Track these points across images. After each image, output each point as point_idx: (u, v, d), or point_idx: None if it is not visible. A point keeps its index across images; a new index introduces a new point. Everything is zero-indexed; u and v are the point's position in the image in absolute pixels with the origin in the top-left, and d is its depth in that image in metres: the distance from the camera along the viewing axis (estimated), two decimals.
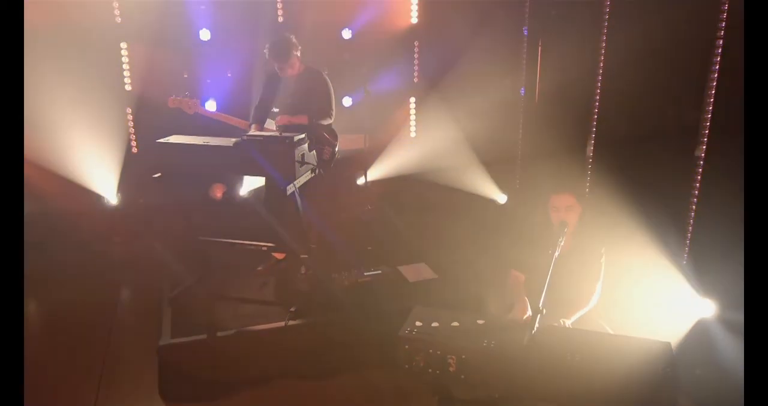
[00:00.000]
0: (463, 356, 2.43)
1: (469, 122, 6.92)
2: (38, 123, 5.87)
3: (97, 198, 6.54)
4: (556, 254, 2.77)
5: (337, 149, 4.61)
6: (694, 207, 3.86)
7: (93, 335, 4.48)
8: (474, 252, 5.08)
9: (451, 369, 2.45)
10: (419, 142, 7.41)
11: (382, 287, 4.49)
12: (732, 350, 3.81)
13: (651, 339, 2.46)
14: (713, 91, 4.06)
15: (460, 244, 5.44)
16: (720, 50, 3.98)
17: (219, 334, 3.89)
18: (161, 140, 4.02)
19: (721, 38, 3.97)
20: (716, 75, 4.02)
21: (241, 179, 6.73)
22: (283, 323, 3.95)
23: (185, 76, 6.63)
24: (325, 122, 4.48)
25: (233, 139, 3.93)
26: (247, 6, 6.55)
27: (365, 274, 4.57)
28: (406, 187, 6.83)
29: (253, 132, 4.21)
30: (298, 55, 4.38)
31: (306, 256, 4.62)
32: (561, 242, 2.84)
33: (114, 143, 6.53)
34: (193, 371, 3.83)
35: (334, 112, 4.55)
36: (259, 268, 4.72)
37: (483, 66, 6.82)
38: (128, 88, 6.58)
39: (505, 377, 2.40)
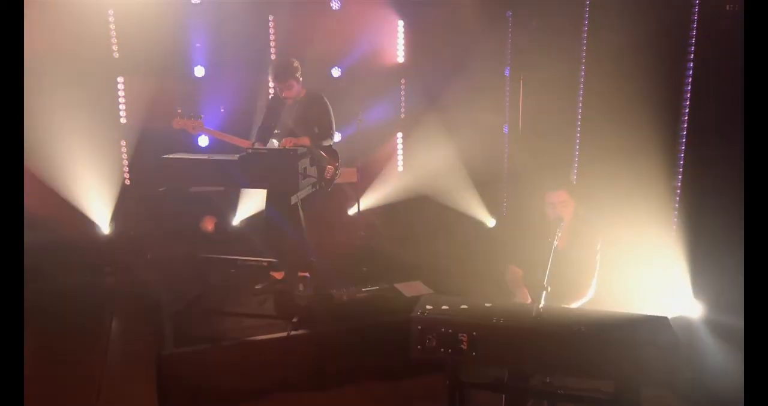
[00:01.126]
0: (474, 333, 2.54)
1: (454, 156, 7.19)
2: (34, 155, 5.96)
3: (90, 228, 6.56)
4: (555, 243, 2.94)
5: (338, 170, 4.77)
6: (676, 212, 4.10)
7: (89, 353, 4.45)
8: (466, 269, 5.21)
9: (462, 347, 2.55)
10: (407, 175, 7.64)
11: (380, 301, 4.58)
12: (724, 353, 3.95)
13: (649, 315, 2.61)
14: (687, 112, 4.39)
15: (453, 263, 5.58)
16: (691, 72, 4.33)
17: (222, 344, 3.92)
18: (167, 156, 4.16)
19: (691, 61, 4.33)
20: (689, 95, 4.35)
21: (234, 210, 6.88)
22: (285, 334, 3.99)
23: (179, 111, 6.79)
24: (326, 143, 4.65)
25: (237, 155, 4.09)
26: (240, 45, 6.79)
27: (363, 290, 4.66)
28: (396, 214, 7.00)
29: (257, 147, 4.37)
30: (299, 78, 4.59)
31: (305, 274, 4.72)
32: (559, 232, 3.02)
33: (108, 175, 6.62)
34: (195, 381, 3.83)
35: (334, 133, 4.72)
36: (258, 287, 4.77)
37: (467, 103, 7.14)
38: (123, 121, 6.73)
39: (515, 352, 2.52)
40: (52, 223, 6.18)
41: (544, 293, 2.61)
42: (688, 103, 4.37)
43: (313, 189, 4.42)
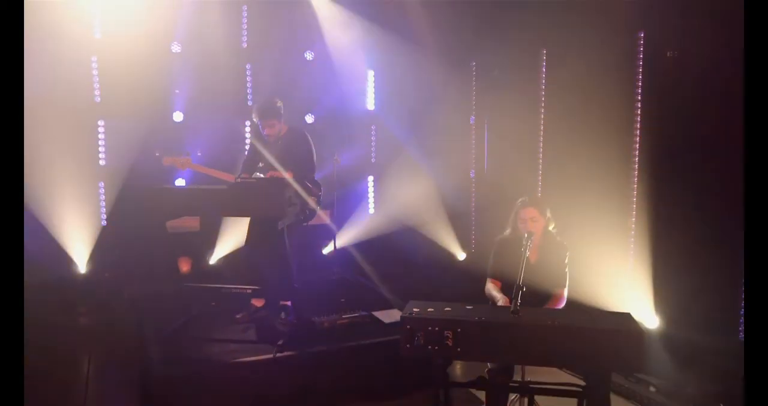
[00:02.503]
0: (459, 330, 2.77)
1: (423, 198, 7.56)
2: None
3: (65, 268, 6.59)
4: (527, 253, 3.24)
5: (321, 201, 5.03)
6: (633, 233, 4.49)
7: (68, 384, 4.47)
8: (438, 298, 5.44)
9: (448, 343, 2.78)
10: (378, 216, 7.93)
11: (359, 327, 4.76)
12: (682, 365, 4.26)
13: (615, 311, 2.90)
14: (637, 146, 4.87)
15: (426, 293, 5.80)
16: (639, 111, 4.83)
17: (208, 365, 4.03)
18: (158, 186, 4.35)
19: (639, 101, 4.84)
20: (638, 130, 4.84)
21: (211, 249, 7.00)
22: (271, 356, 4.12)
23: (157, 154, 6.96)
24: (309, 176, 4.90)
25: (226, 185, 4.32)
26: (218, 92, 7.08)
27: (344, 317, 4.84)
28: (369, 252, 7.23)
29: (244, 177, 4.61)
30: (281, 117, 4.87)
31: (287, 302, 4.88)
32: (530, 245, 3.34)
33: (86, 215, 6.70)
34: (182, 403, 3.90)
35: (315, 167, 4.99)
36: (238, 316, 4.89)
37: (435, 148, 7.57)
38: (102, 163, 6.88)
39: (496, 346, 2.76)
40: (29, 262, 6.18)
41: (520, 292, 2.88)
42: (638, 138, 4.86)
43: (297, 218, 4.65)
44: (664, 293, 4.40)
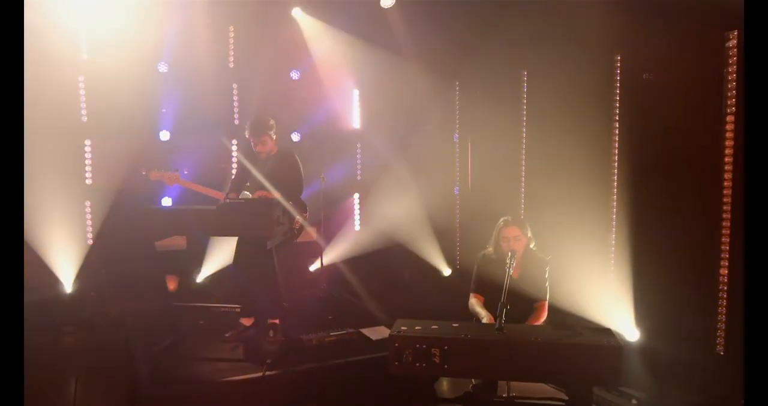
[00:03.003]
0: (446, 347, 2.86)
1: (408, 215, 7.66)
2: None
3: (51, 288, 6.56)
4: (510, 271, 3.34)
5: (307, 221, 5.10)
6: (613, 248, 4.61)
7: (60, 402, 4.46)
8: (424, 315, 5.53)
9: (435, 360, 2.86)
10: (364, 233, 8.01)
11: (347, 344, 4.82)
12: (662, 377, 4.37)
13: (595, 327, 3.00)
14: (616, 162, 5.01)
15: (412, 309, 5.87)
16: (617, 131, 4.99)
17: (198, 384, 4.06)
18: (148, 207, 4.40)
19: (616, 121, 4.99)
20: (617, 146, 4.99)
21: (198, 267, 7.02)
22: (260, 374, 4.16)
23: (143, 173, 6.98)
24: (296, 198, 4.98)
25: (215, 205, 4.38)
26: (205, 110, 7.14)
27: (332, 334, 4.90)
28: (356, 268, 7.30)
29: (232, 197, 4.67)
30: (273, 136, 4.96)
31: (275, 321, 4.92)
32: (513, 262, 3.44)
33: (72, 235, 6.70)
34: None
35: (303, 189, 5.08)
36: (227, 334, 4.93)
37: (419, 165, 7.69)
38: (89, 182, 6.90)
39: (482, 362, 2.84)
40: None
41: (505, 310, 2.98)
42: (616, 156, 5.00)
43: (285, 237, 4.72)
44: (644, 307, 4.52)
